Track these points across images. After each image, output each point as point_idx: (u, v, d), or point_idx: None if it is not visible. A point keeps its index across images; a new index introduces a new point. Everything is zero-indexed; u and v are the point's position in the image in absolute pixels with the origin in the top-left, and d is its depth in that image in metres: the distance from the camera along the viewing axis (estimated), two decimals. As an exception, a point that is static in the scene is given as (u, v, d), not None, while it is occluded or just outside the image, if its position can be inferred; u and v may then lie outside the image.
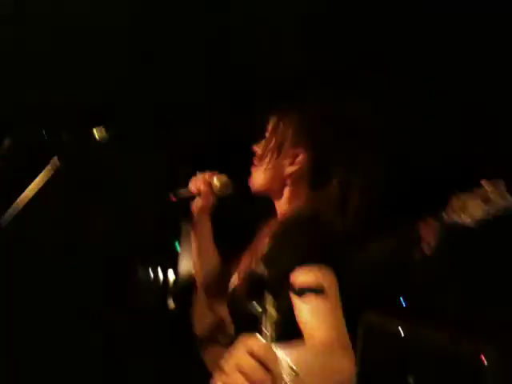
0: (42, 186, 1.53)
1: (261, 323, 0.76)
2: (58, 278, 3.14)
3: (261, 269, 0.77)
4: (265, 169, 1.29)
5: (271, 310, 0.74)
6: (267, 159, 1.28)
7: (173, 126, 3.21)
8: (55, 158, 1.57)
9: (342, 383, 0.85)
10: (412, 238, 1.96)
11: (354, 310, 1.11)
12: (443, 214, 1.85)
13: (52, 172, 1.54)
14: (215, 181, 1.44)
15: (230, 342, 1.37)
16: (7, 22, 2.46)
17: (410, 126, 2.71)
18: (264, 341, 0.74)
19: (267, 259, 0.98)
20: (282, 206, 1.29)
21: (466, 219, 1.82)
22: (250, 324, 1.10)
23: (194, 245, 1.52)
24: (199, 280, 1.53)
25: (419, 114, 2.71)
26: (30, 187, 1.54)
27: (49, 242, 3.19)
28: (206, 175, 1.45)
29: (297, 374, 0.73)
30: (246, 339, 0.72)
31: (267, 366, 0.70)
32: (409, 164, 2.77)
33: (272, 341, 0.75)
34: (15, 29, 2.56)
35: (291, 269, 0.97)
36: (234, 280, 1.29)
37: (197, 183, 1.44)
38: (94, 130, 1.62)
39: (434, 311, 2.47)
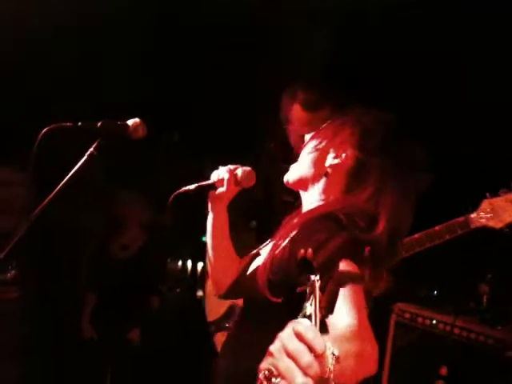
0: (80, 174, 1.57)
1: (305, 307, 0.75)
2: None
3: (309, 253, 0.76)
4: (308, 157, 1.33)
5: (319, 294, 0.74)
6: (314, 148, 1.32)
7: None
8: (93, 148, 1.60)
9: (365, 367, 0.90)
10: None
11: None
12: (473, 216, 1.84)
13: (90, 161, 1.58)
14: (239, 171, 1.48)
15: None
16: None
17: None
18: (312, 325, 0.72)
19: (315, 246, 0.99)
20: (311, 196, 1.32)
21: (496, 224, 1.83)
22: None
23: (208, 232, 1.55)
24: (212, 266, 1.56)
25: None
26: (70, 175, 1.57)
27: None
28: (231, 166, 1.49)
29: (337, 359, 0.73)
30: (295, 323, 0.72)
31: (315, 350, 0.70)
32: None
33: (320, 325, 0.74)
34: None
35: (339, 257, 1.01)
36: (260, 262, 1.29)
37: (220, 173, 1.48)
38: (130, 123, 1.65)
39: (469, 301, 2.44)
